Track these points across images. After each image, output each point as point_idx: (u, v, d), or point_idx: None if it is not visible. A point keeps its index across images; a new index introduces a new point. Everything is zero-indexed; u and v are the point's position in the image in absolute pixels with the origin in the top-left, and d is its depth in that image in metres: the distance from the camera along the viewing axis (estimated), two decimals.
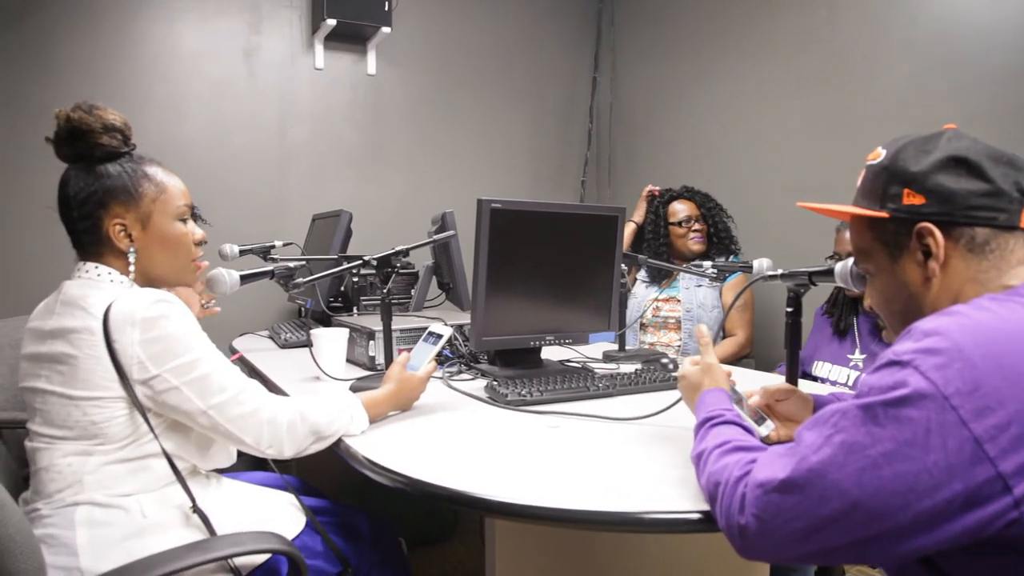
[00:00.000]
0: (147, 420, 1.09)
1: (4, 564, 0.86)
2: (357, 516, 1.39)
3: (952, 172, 0.82)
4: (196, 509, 1.10)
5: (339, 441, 1.22)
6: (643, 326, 2.70)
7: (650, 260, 2.23)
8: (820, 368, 2.12)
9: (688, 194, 2.78)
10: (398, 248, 1.67)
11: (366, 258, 1.66)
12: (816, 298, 2.68)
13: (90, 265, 1.17)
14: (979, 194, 0.81)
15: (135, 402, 1.07)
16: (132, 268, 1.18)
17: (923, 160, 0.83)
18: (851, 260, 1.18)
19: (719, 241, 2.72)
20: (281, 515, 1.25)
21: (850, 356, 2.09)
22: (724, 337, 2.62)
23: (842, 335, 2.12)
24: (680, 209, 2.75)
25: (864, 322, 2.08)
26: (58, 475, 1.08)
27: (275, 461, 1.57)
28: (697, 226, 2.71)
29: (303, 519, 1.26)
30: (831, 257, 2.11)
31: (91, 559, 1.03)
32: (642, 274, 2.81)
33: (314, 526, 1.27)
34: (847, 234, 2.09)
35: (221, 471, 1.29)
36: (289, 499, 1.30)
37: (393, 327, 1.70)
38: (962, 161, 0.82)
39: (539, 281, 1.70)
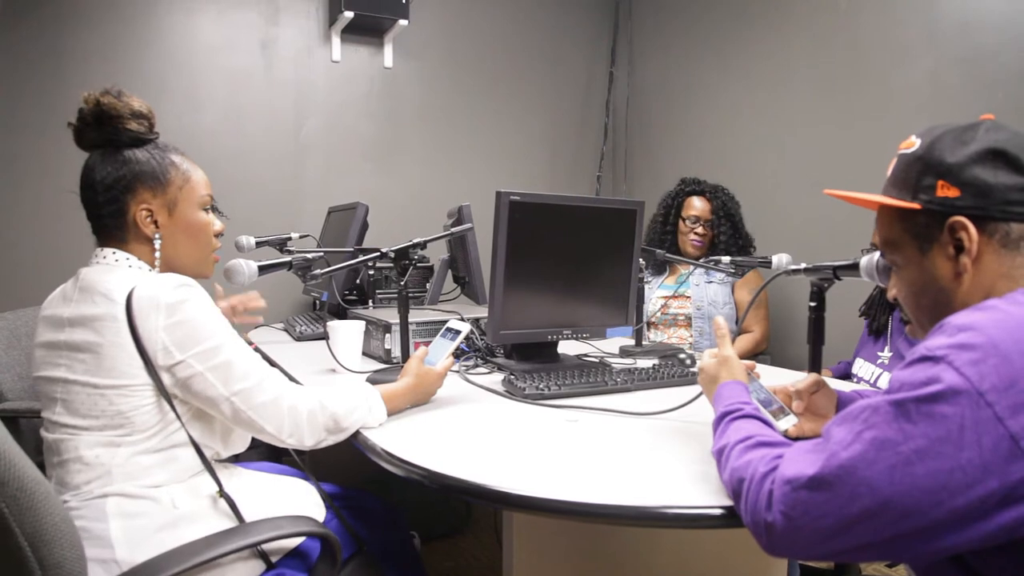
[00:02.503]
0: (174, 407, 1.09)
1: (52, 553, 0.86)
2: (370, 500, 1.40)
3: (990, 165, 0.80)
4: (223, 493, 1.10)
5: (357, 433, 1.22)
6: (651, 324, 2.65)
7: (668, 255, 2.21)
8: (858, 367, 2.10)
9: (712, 193, 2.70)
10: (415, 240, 1.66)
11: (383, 250, 1.65)
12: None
13: (108, 251, 1.17)
14: (1017, 188, 0.79)
15: (161, 389, 1.08)
16: (158, 255, 1.18)
17: (960, 151, 0.81)
18: (877, 254, 1.16)
19: (718, 251, 2.63)
20: (306, 499, 1.25)
21: (879, 354, 2.06)
22: (739, 335, 2.59)
23: (877, 335, 2.10)
24: (696, 206, 2.70)
25: (897, 320, 2.05)
26: (85, 467, 1.07)
27: (297, 454, 1.58)
28: (700, 230, 2.67)
29: (323, 504, 1.27)
30: (868, 249, 2.06)
31: (127, 551, 1.02)
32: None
33: (339, 511, 1.27)
34: None
35: (236, 460, 1.30)
36: (306, 485, 1.31)
37: (410, 320, 1.70)
38: (1000, 154, 0.80)
39: (556, 275, 1.70)
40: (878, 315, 2.09)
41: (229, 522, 1.10)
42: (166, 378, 1.08)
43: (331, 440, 1.20)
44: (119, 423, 1.07)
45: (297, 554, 1.14)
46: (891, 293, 0.93)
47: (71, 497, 1.08)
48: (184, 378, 1.08)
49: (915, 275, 0.86)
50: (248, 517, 1.11)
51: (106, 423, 1.07)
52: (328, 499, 1.28)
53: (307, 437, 1.16)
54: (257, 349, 2.07)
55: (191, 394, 1.10)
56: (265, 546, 1.09)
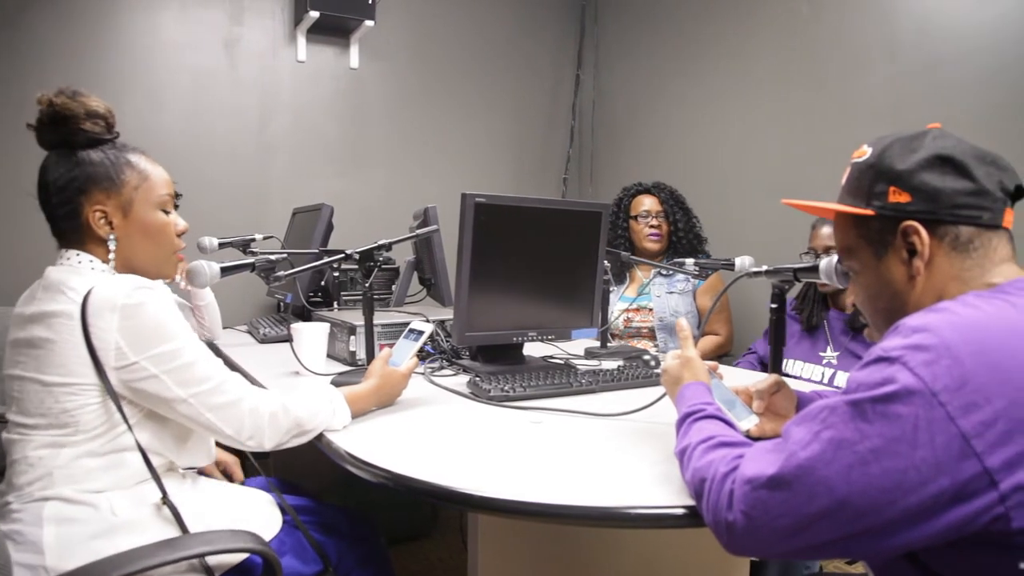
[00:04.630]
0: (120, 409, 1.06)
1: None
2: (337, 514, 1.37)
3: (938, 171, 0.82)
4: (167, 501, 1.07)
5: (320, 436, 1.20)
6: (613, 336, 2.64)
7: (633, 257, 2.22)
8: (792, 367, 2.13)
9: (655, 189, 2.74)
10: (381, 242, 1.65)
11: (348, 252, 1.64)
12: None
13: (71, 253, 1.15)
14: (964, 193, 0.81)
15: (108, 390, 1.05)
16: (112, 256, 1.15)
17: (909, 158, 0.84)
18: (836, 257, 1.18)
19: (679, 242, 2.67)
20: (259, 513, 1.22)
21: (823, 354, 2.10)
22: (701, 337, 2.61)
23: (812, 332, 2.12)
24: (644, 203, 2.72)
25: (836, 319, 2.09)
26: (29, 467, 1.05)
27: (254, 456, 1.56)
28: (654, 222, 2.68)
29: (281, 518, 1.24)
30: (806, 253, 2.11)
31: (57, 558, 1.00)
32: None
33: (294, 524, 1.25)
34: (823, 230, 2.10)
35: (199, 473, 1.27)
36: (268, 498, 1.28)
37: (375, 322, 1.68)
38: (948, 160, 0.82)
39: (522, 277, 1.70)
40: (814, 311, 2.12)
41: (172, 532, 1.07)
42: (115, 379, 1.05)
43: (294, 443, 1.18)
44: (64, 422, 1.05)
45: (242, 570, 1.11)
46: (850, 300, 0.95)
47: (14, 499, 1.05)
48: (136, 380, 1.05)
49: (871, 279, 0.88)
50: (194, 529, 1.08)
51: (52, 422, 1.05)
52: (290, 509, 1.25)
53: (267, 440, 1.14)
54: (219, 352, 2.05)
55: (143, 397, 1.07)
56: (209, 560, 1.06)
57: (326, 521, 1.34)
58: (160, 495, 1.08)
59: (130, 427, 1.07)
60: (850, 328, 2.06)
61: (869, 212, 0.85)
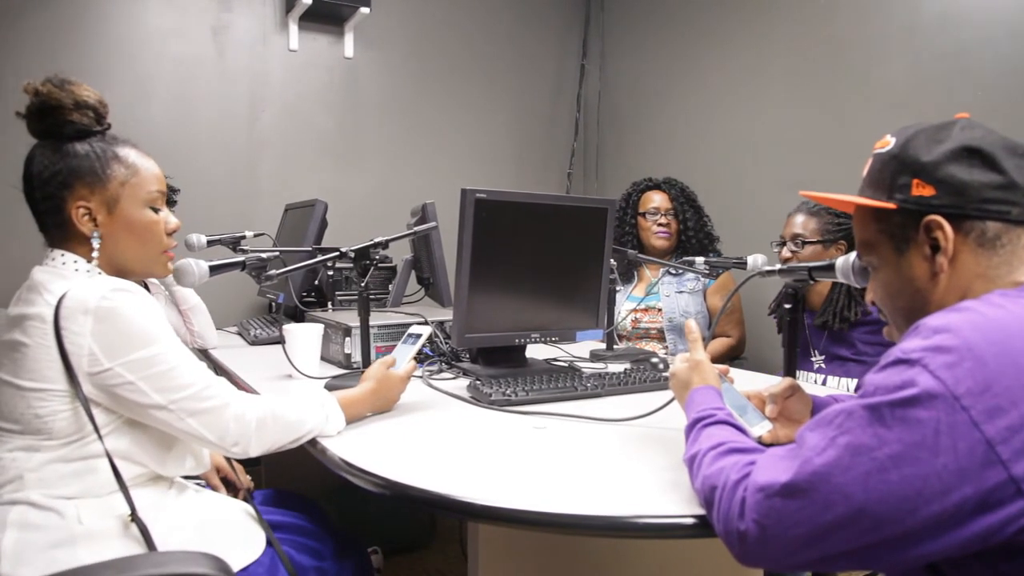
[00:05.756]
0: (91, 417, 1.06)
1: None
2: (324, 536, 1.37)
3: (965, 163, 0.81)
4: (135, 518, 1.06)
5: (314, 442, 1.20)
6: (621, 337, 2.64)
7: (640, 255, 2.22)
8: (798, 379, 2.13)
9: (665, 185, 2.74)
10: (377, 240, 1.65)
11: (343, 250, 1.64)
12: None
13: (56, 252, 1.15)
14: (992, 186, 0.81)
15: (80, 396, 1.05)
16: (96, 255, 1.15)
17: (935, 149, 0.83)
18: (853, 254, 1.18)
19: (688, 240, 2.67)
20: (243, 531, 1.21)
21: (812, 359, 2.10)
22: (712, 339, 2.61)
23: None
24: (653, 199, 2.72)
25: (810, 320, 2.08)
26: (3, 469, 1.06)
27: (244, 463, 1.56)
28: (664, 220, 2.68)
29: (264, 536, 1.23)
30: (778, 244, 2.11)
31: (11, 565, 1.00)
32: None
33: (276, 543, 1.24)
34: (795, 217, 2.09)
35: (189, 480, 1.26)
36: (251, 514, 1.27)
37: (372, 323, 1.69)
38: (975, 151, 0.81)
39: (524, 276, 1.70)
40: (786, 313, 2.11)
41: (137, 548, 1.06)
42: (88, 385, 1.05)
43: (282, 448, 1.18)
44: (37, 428, 1.05)
45: None
46: (869, 297, 0.94)
47: None
48: (111, 386, 1.05)
49: (891, 276, 0.88)
50: (164, 545, 1.07)
51: (25, 427, 1.06)
52: (269, 532, 1.24)
53: (254, 446, 1.14)
54: (207, 355, 2.05)
55: (120, 404, 1.07)
56: None
57: (310, 544, 1.33)
58: (128, 508, 1.07)
59: (100, 436, 1.06)
60: (820, 328, 2.06)
61: (890, 205, 0.85)
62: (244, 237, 2.26)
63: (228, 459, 1.56)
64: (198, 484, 1.35)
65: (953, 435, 0.66)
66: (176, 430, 1.09)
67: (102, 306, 1.04)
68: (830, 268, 1.24)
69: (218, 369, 1.91)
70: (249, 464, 1.64)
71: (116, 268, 1.18)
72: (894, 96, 2.38)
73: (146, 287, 1.16)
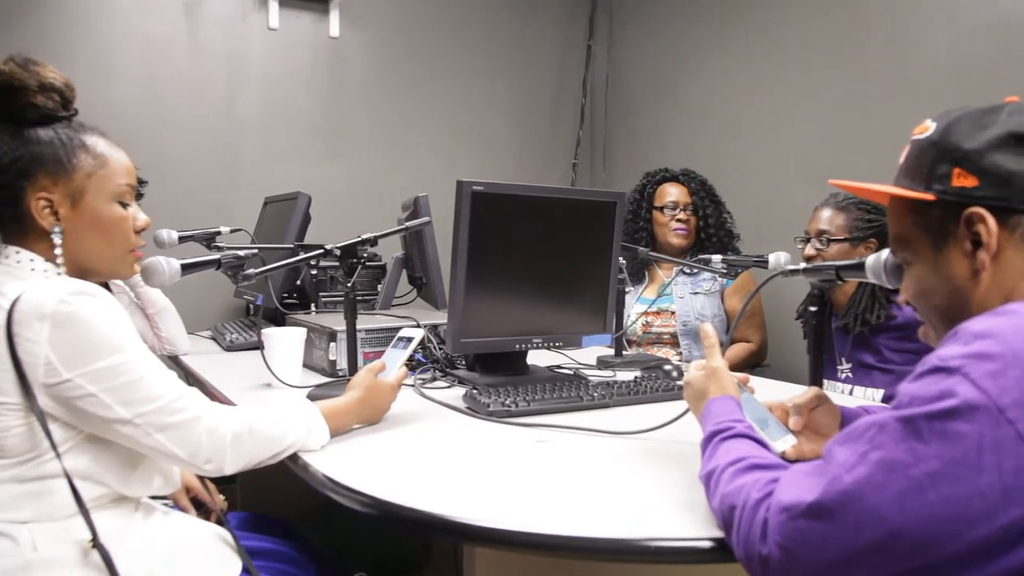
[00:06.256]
0: (48, 433, 1.04)
1: None
2: (306, 563, 1.36)
3: (1012, 151, 0.81)
4: (97, 544, 1.04)
5: (295, 457, 1.20)
6: (631, 343, 2.64)
7: (652, 253, 2.22)
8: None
9: (684, 177, 2.74)
10: (365, 236, 1.65)
11: (328, 247, 1.64)
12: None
13: (11, 250, 1.14)
14: None
15: (35, 410, 1.03)
16: (59, 252, 1.14)
17: (978, 136, 0.82)
18: (884, 252, 1.18)
19: (709, 238, 2.67)
20: (213, 559, 1.20)
21: (839, 367, 2.10)
22: (731, 344, 2.60)
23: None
24: (670, 192, 2.72)
25: (837, 329, 2.07)
26: None
27: (217, 482, 1.55)
28: (682, 215, 2.68)
29: (240, 564, 1.23)
30: (801, 239, 2.11)
31: None
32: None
33: (254, 570, 1.23)
34: (821, 212, 2.09)
35: (156, 501, 1.25)
36: (230, 538, 1.27)
37: (359, 327, 1.69)
38: None
39: (526, 275, 1.70)
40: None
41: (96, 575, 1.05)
42: (44, 398, 1.04)
43: (261, 465, 1.18)
44: None
45: None
46: (903, 296, 0.94)
47: None
48: (71, 399, 1.04)
49: (927, 273, 0.87)
50: (128, 574, 1.06)
51: None
52: (248, 561, 1.23)
53: (229, 463, 1.13)
54: (178, 364, 2.05)
55: (80, 418, 1.06)
56: None
57: (292, 570, 1.32)
58: (94, 533, 1.05)
59: (58, 454, 1.05)
60: (844, 332, 2.05)
61: (929, 197, 0.84)
62: (219, 233, 2.25)
63: (200, 477, 1.56)
64: (166, 505, 1.35)
65: (998, 451, 0.66)
66: (143, 446, 1.08)
67: (60, 310, 1.03)
68: (859, 267, 1.24)
69: (190, 378, 1.91)
70: (223, 482, 1.64)
71: (78, 267, 1.17)
72: (930, 76, 2.37)
73: (107, 287, 1.15)
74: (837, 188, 0.97)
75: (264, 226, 2.79)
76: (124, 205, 1.21)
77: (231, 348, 2.24)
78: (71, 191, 1.15)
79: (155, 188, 2.62)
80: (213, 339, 2.44)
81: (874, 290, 1.98)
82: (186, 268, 1.57)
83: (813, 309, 1.34)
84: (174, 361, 2.09)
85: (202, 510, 1.55)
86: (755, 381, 1.21)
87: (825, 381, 2.07)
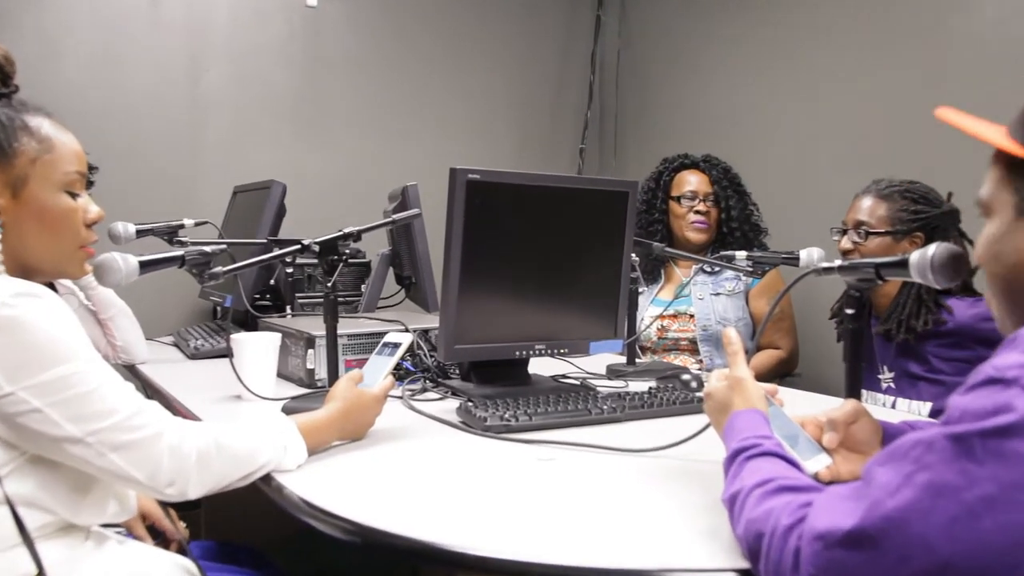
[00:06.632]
0: None
1: None
2: None
3: None
4: None
5: (268, 479, 1.19)
6: (644, 349, 2.64)
7: (669, 249, 2.22)
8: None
9: (705, 164, 2.75)
10: (347, 230, 1.65)
11: (305, 242, 1.64)
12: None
13: None
14: None
15: None
16: None
17: None
18: (931, 248, 1.17)
19: (731, 233, 2.68)
20: None
21: (880, 376, 2.09)
22: (756, 351, 2.60)
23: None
24: (689, 181, 2.73)
25: (877, 333, 2.07)
26: None
27: (178, 508, 1.54)
28: (702, 207, 2.69)
29: None
30: (838, 231, 2.09)
31: None
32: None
33: None
34: (862, 201, 2.06)
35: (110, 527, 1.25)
36: (192, 569, 1.27)
37: (340, 332, 1.68)
38: None
39: (527, 274, 1.70)
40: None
41: None
42: None
43: (230, 487, 1.17)
44: None
45: None
46: (977, 253, 0.90)
47: None
48: (13, 415, 1.03)
49: (1001, 236, 0.85)
50: None
51: None
52: None
53: (193, 486, 1.13)
54: (136, 374, 2.05)
55: (24, 437, 1.05)
56: None
57: None
58: (39, 566, 1.05)
59: None
60: (886, 339, 2.05)
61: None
62: (183, 226, 2.26)
63: (161, 503, 1.55)
64: (120, 534, 1.34)
65: None
66: (96, 468, 1.08)
67: (1, 315, 1.03)
68: (903, 265, 1.23)
69: (148, 390, 1.91)
70: (186, 508, 1.64)
71: (20, 266, 1.17)
72: (978, 51, 2.37)
73: (54, 288, 1.14)
74: (944, 121, 0.92)
75: (233, 219, 2.79)
76: (73, 195, 1.21)
77: (196, 356, 2.24)
78: (12, 179, 1.15)
79: (109, 176, 2.61)
80: (175, 346, 2.44)
81: (920, 291, 1.95)
82: (144, 266, 1.57)
83: (850, 312, 1.33)
84: (131, 371, 2.09)
85: (160, 539, 1.55)
86: (784, 393, 1.21)
87: (864, 392, 2.06)
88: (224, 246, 1.80)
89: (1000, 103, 1.00)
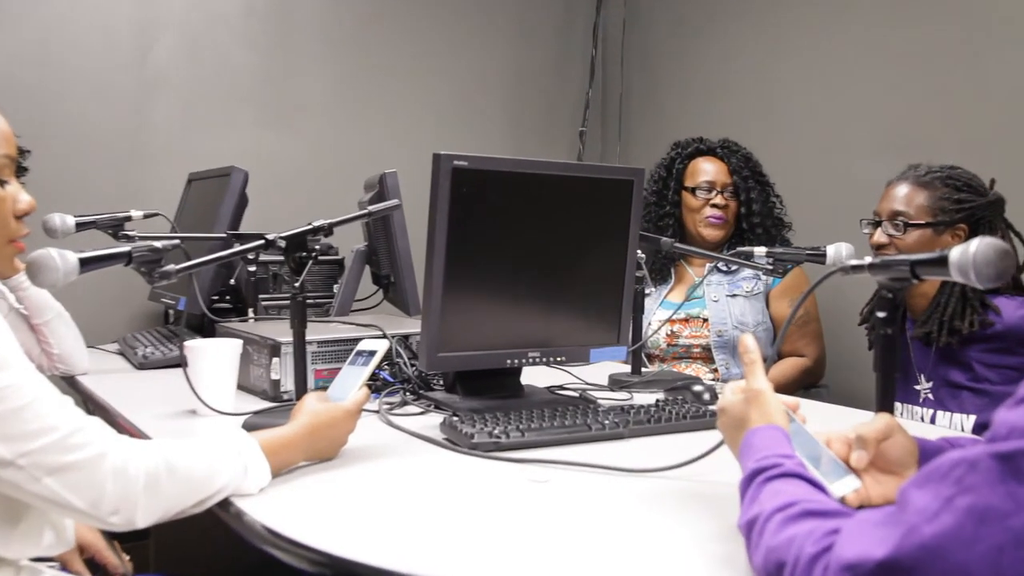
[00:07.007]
0: None
1: None
2: None
3: None
4: None
5: (227, 504, 1.19)
6: (652, 357, 2.65)
7: (680, 245, 2.22)
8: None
9: (723, 151, 2.74)
10: (316, 224, 1.65)
11: (270, 237, 1.64)
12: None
13: None
14: None
15: None
16: None
17: None
18: (973, 243, 1.17)
19: (752, 229, 2.68)
20: None
21: (917, 387, 2.09)
22: (777, 359, 2.61)
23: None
24: (705, 170, 2.72)
25: (914, 338, 2.07)
26: None
27: (122, 538, 1.54)
28: (719, 200, 2.68)
29: None
30: (870, 223, 2.09)
31: None
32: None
33: None
34: (897, 189, 2.06)
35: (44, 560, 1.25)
36: None
37: (308, 338, 1.69)
38: None
39: (520, 273, 1.70)
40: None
41: None
42: None
43: (183, 515, 1.17)
44: None
45: None
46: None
47: None
48: None
49: None
50: None
51: None
52: None
53: (140, 514, 1.12)
54: (75, 386, 2.04)
55: None
56: None
57: None
58: None
59: None
60: (924, 343, 2.05)
61: None
62: (130, 218, 2.24)
63: (105, 532, 1.55)
64: (55, 568, 1.34)
65: None
66: (28, 494, 1.08)
67: None
68: (942, 262, 1.22)
69: (89, 404, 1.91)
70: (133, 538, 1.62)
71: None
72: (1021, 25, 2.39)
73: None
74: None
75: (188, 210, 2.78)
76: (1, 183, 1.20)
77: (145, 365, 2.24)
78: None
79: (43, 161, 2.61)
80: (121, 354, 2.44)
81: (965, 289, 1.94)
82: (86, 263, 1.56)
83: (882, 315, 1.33)
84: (69, 384, 2.08)
85: (101, 574, 1.54)
86: (810, 406, 1.22)
87: (899, 405, 2.06)
88: (177, 241, 1.80)
89: None
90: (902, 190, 2.04)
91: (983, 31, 2.49)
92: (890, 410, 1.33)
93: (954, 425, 1.98)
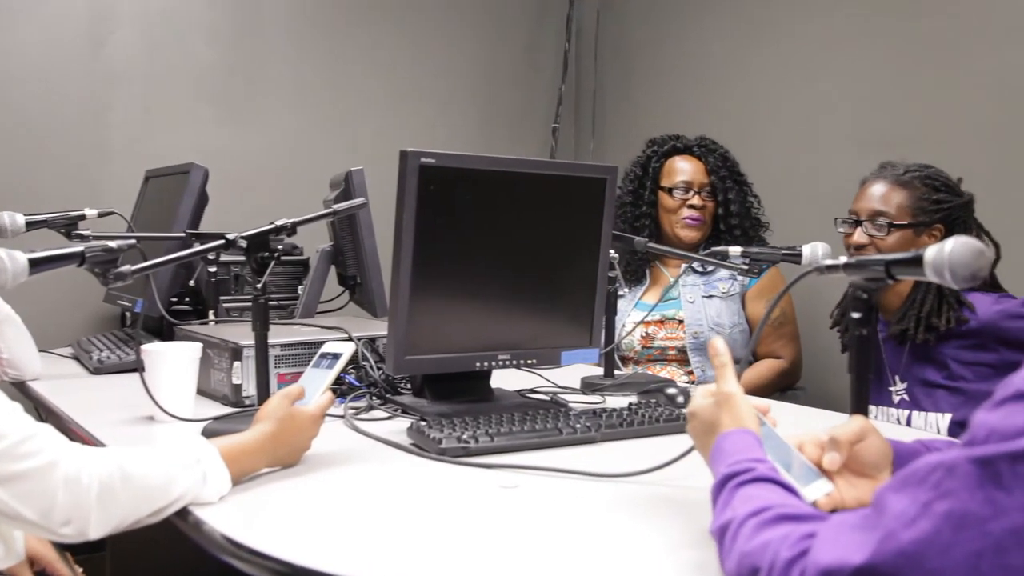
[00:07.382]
0: None
1: None
2: None
3: None
4: None
5: (185, 512, 1.19)
6: (626, 360, 2.66)
7: (654, 245, 2.23)
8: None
9: (700, 149, 2.75)
10: (279, 223, 1.65)
11: (231, 237, 1.63)
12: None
13: None
14: None
15: None
16: None
17: None
18: (948, 243, 1.19)
19: (730, 230, 2.69)
20: None
21: (892, 388, 2.12)
22: (752, 362, 2.63)
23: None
24: (682, 169, 2.73)
25: (883, 330, 2.09)
26: None
27: (74, 550, 1.52)
28: (696, 201, 2.69)
29: None
30: (847, 222, 2.11)
31: None
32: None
33: None
34: (872, 187, 2.07)
35: None
36: None
37: (271, 341, 1.68)
38: None
39: (489, 274, 1.71)
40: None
41: None
42: None
43: (137, 524, 1.17)
44: None
45: None
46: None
47: None
48: None
49: None
50: None
51: None
52: None
53: (94, 525, 1.12)
54: (26, 392, 2.02)
55: None
56: None
57: None
58: None
59: None
60: (899, 342, 2.07)
61: None
62: (83, 217, 2.23)
63: (56, 544, 1.53)
64: None
65: None
66: None
67: None
68: (916, 262, 1.24)
69: (40, 411, 1.89)
70: (87, 549, 1.61)
71: None
72: (1010, 18, 2.40)
73: None
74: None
75: (145, 209, 2.76)
76: None
77: (100, 370, 2.22)
78: None
79: None
80: (75, 359, 2.42)
81: (940, 286, 1.96)
82: (36, 264, 1.55)
83: (856, 316, 1.34)
84: (19, 389, 2.06)
85: None
86: (785, 408, 1.22)
87: (874, 408, 2.08)
88: (134, 241, 1.78)
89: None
90: (879, 189, 2.05)
91: (958, 28, 2.52)
92: (865, 412, 1.34)
93: (929, 425, 2.00)
